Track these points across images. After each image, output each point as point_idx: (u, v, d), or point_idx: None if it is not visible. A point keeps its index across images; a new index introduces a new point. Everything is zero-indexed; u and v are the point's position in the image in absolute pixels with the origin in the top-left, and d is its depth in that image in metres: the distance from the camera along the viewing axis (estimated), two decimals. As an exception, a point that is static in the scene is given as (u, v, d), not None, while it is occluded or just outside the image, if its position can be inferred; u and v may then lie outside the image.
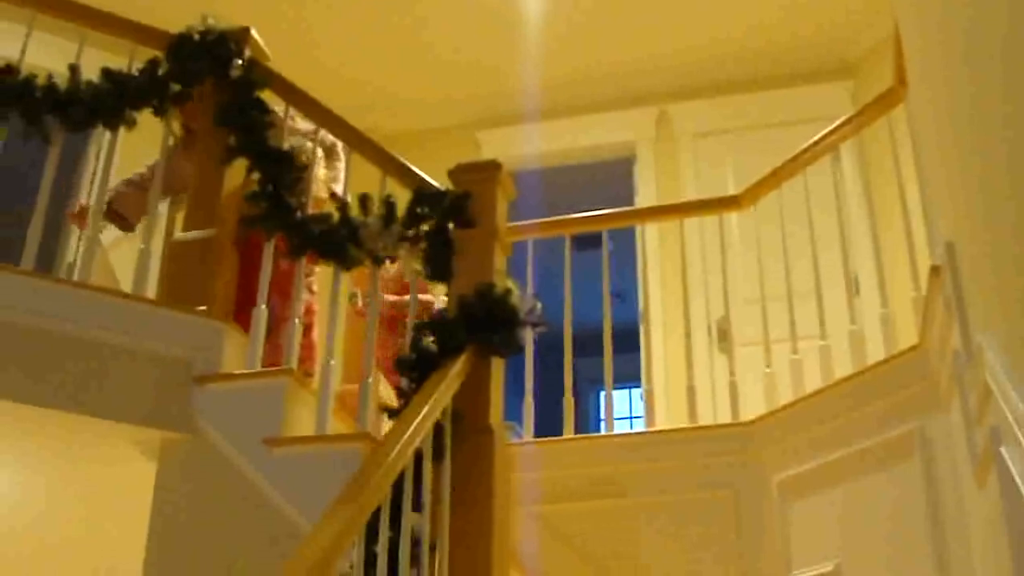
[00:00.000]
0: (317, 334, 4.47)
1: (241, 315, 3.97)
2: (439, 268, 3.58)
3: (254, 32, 4.24)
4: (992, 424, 2.86)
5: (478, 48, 6.99)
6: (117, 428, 3.62)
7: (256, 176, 3.97)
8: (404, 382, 3.26)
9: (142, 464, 3.68)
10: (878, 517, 3.97)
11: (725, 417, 4.91)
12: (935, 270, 3.54)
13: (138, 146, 4.36)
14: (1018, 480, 2.58)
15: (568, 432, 4.93)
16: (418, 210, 3.67)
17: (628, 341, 5.92)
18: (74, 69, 4.06)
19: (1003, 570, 2.83)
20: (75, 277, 4.01)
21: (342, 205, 3.88)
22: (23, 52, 4.08)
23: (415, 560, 2.74)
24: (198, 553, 3.43)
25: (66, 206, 5.67)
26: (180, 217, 4.21)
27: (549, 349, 4.91)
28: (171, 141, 4.20)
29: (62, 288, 3.79)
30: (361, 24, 6.77)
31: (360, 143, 4.04)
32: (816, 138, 4.87)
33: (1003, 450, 2.72)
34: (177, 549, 3.49)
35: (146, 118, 4.14)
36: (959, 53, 2.96)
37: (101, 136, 4.36)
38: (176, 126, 4.35)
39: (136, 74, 4.10)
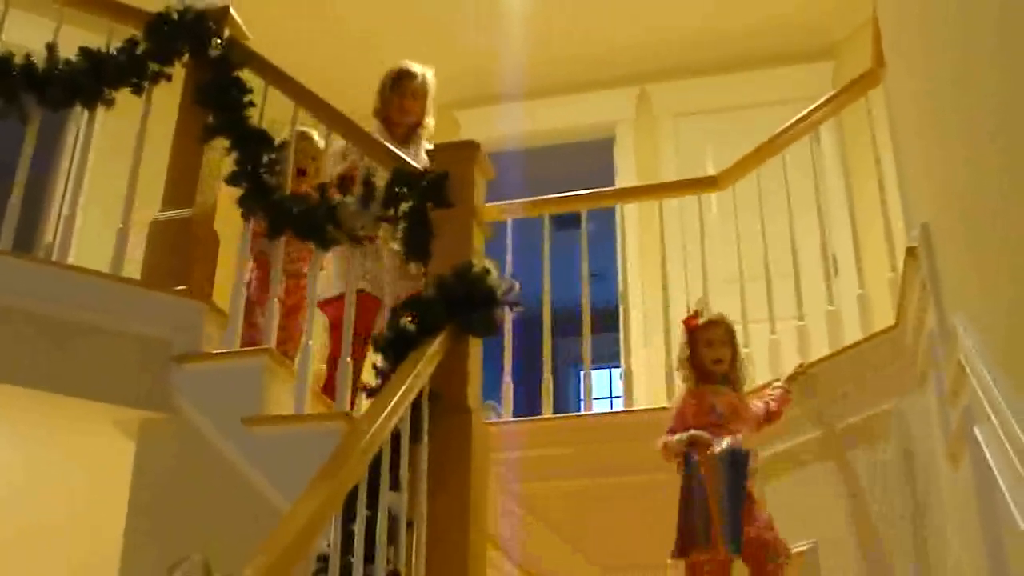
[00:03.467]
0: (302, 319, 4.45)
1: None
2: (417, 248, 3.58)
3: (233, 12, 4.23)
4: (965, 404, 2.88)
5: (459, 28, 6.97)
6: (96, 408, 3.63)
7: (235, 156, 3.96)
8: (382, 361, 3.26)
9: (122, 443, 3.68)
10: (854, 497, 4.00)
11: (703, 397, 4.92)
12: (911, 251, 3.56)
13: (118, 124, 4.33)
14: (990, 459, 2.60)
15: (547, 412, 4.95)
16: (396, 190, 3.67)
17: (608, 321, 5.94)
18: (51, 48, 4.04)
19: (977, 550, 2.86)
20: (53, 257, 4.01)
21: (320, 185, 3.88)
22: (-1, 30, 4.07)
23: (392, 538, 2.76)
24: (177, 532, 3.43)
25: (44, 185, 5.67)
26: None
27: (529, 329, 4.94)
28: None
29: (40, 267, 3.80)
30: (343, 4, 6.76)
31: (338, 123, 4.04)
32: (795, 119, 4.89)
33: (976, 429, 2.74)
34: (157, 528, 3.50)
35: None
36: (941, 32, 2.97)
37: (80, 116, 4.34)
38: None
39: (114, 53, 4.08)
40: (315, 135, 4.46)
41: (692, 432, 3.81)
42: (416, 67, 4.79)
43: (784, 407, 4.13)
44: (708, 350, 4.00)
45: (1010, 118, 2.30)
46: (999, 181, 2.50)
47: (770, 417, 4.10)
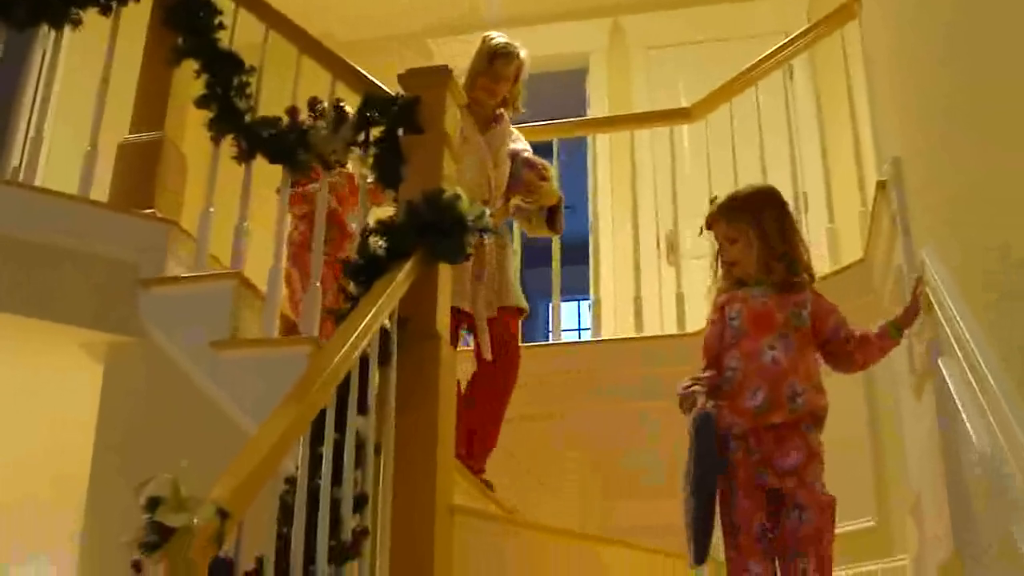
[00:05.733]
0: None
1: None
2: (388, 173, 3.55)
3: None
4: (931, 337, 2.91)
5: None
6: (63, 330, 3.61)
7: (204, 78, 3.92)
8: (351, 286, 3.25)
9: (91, 367, 3.67)
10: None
11: (672, 328, 4.95)
12: (881, 185, 3.58)
13: (86, 44, 4.26)
14: (953, 390, 2.64)
15: (516, 341, 4.97)
16: (368, 115, 3.64)
17: (578, 253, 5.94)
18: (15, -35, 3.97)
19: (937, 479, 2.90)
20: (20, 179, 3.96)
21: (290, 109, 3.85)
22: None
23: (360, 462, 2.76)
24: (145, 454, 3.42)
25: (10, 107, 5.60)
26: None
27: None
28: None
29: (7, 190, 3.76)
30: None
31: (310, 47, 4.00)
32: (769, 52, 4.88)
33: (940, 361, 2.77)
34: (125, 450, 3.50)
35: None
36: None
37: (47, 36, 4.29)
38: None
39: (80, -30, 4.02)
40: None
41: (682, 385, 3.00)
42: (515, 47, 4.36)
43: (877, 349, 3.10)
44: (722, 253, 3.18)
45: (959, 46, 2.31)
46: (952, 113, 2.52)
47: (854, 344, 3.06)
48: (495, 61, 4.30)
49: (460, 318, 3.99)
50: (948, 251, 2.77)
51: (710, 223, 3.19)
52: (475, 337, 4.02)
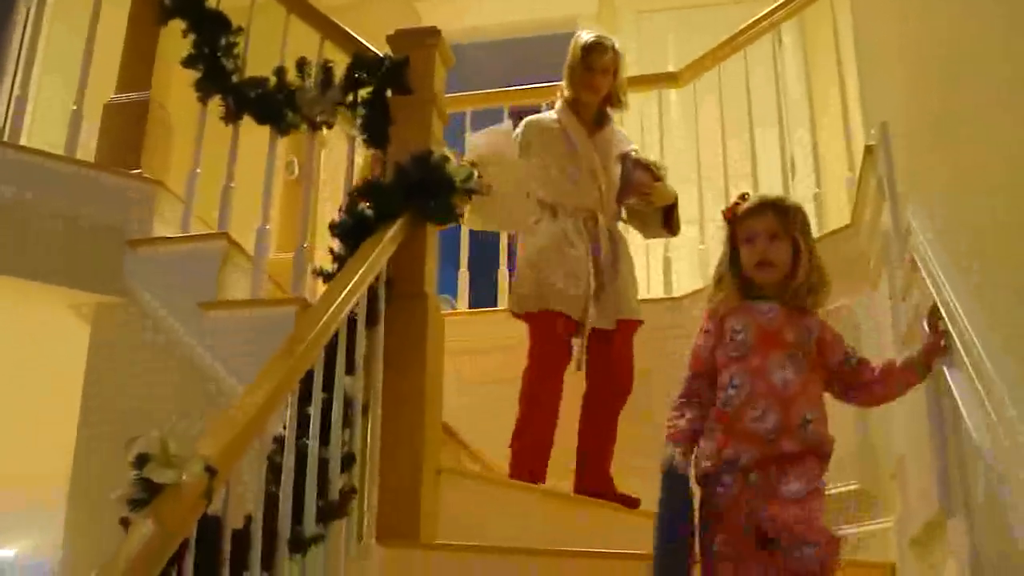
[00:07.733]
0: None
1: None
2: (376, 134, 3.55)
3: None
4: (917, 299, 2.92)
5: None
6: (50, 291, 3.60)
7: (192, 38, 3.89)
8: (339, 247, 3.25)
9: (78, 327, 3.66)
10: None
11: (659, 292, 4.95)
12: (869, 150, 3.58)
13: (72, 2, 4.24)
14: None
15: (501, 304, 4.97)
16: (356, 76, 3.63)
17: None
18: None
19: (922, 440, 2.91)
20: (5, 138, 3.94)
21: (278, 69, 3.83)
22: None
23: (348, 421, 2.77)
24: (132, 415, 3.43)
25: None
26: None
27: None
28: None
29: (-8, 149, 3.74)
30: None
31: (298, 7, 3.97)
32: (757, 16, 4.87)
33: (925, 324, 2.78)
34: (111, 412, 3.50)
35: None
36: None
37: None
38: None
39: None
40: None
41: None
42: (606, 39, 4.23)
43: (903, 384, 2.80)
44: (748, 249, 2.78)
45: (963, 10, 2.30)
46: (949, 76, 2.51)
47: (872, 376, 2.78)
48: (589, 55, 4.18)
49: (571, 325, 4.00)
50: (940, 216, 2.76)
51: (747, 213, 2.80)
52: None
